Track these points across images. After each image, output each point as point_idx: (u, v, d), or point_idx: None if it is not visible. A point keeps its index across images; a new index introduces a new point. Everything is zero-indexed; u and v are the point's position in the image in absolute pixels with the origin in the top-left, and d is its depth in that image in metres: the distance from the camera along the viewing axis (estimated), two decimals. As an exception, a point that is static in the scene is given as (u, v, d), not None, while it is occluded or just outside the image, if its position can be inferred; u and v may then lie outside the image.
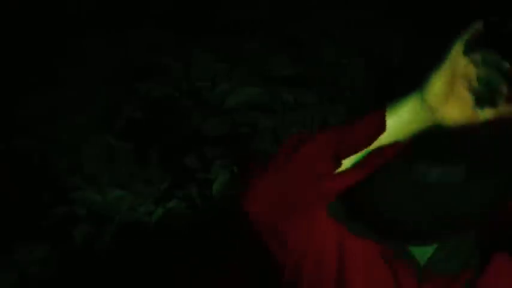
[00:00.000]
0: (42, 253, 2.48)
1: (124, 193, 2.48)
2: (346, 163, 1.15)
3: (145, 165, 2.71)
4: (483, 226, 1.30)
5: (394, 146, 1.14)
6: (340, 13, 3.56)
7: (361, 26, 3.50)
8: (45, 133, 2.84)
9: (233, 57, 3.16)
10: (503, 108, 1.00)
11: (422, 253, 1.33)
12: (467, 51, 1.00)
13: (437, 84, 1.04)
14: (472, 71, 1.00)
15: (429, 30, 3.18)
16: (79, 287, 2.49)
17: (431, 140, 1.18)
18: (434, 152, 1.22)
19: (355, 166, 1.16)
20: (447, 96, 1.03)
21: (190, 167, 2.54)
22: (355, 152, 1.15)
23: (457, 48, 1.01)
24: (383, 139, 1.13)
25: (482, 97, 1.00)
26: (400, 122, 1.12)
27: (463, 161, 1.22)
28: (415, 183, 1.22)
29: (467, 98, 1.00)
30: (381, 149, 1.14)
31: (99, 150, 2.73)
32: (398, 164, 1.21)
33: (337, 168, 1.16)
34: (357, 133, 1.14)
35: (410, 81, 1.28)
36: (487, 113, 1.01)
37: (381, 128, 1.13)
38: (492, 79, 1.00)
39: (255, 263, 2.01)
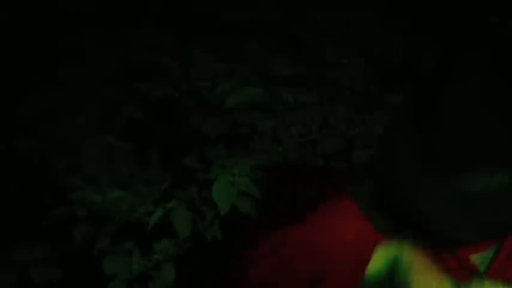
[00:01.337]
0: (42, 253, 2.48)
1: (124, 193, 2.47)
2: None
3: (146, 165, 2.71)
4: None
5: None
6: (340, 13, 3.56)
7: (361, 26, 3.49)
8: (45, 133, 2.83)
9: (233, 57, 3.16)
10: None
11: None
12: None
13: None
14: None
15: (429, 30, 3.18)
16: (79, 287, 2.49)
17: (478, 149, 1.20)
18: (482, 160, 1.21)
19: None
20: None
21: (190, 167, 2.53)
22: None
23: None
24: None
25: None
26: None
27: (508, 167, 1.21)
28: (462, 192, 1.22)
29: None
30: None
31: (99, 150, 2.73)
32: (446, 172, 1.21)
33: None
34: None
35: (410, 80, 1.28)
36: None
37: None
38: None
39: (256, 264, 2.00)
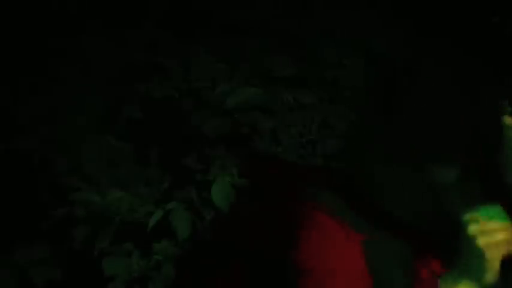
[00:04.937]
0: (42, 253, 2.48)
1: (124, 194, 2.47)
2: None
3: (146, 165, 2.71)
4: None
5: None
6: (340, 13, 3.56)
7: (362, 26, 3.49)
8: (45, 133, 2.83)
9: (233, 57, 3.16)
10: None
11: None
12: None
13: None
14: None
15: (429, 30, 3.18)
16: (79, 287, 2.49)
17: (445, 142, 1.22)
18: (446, 153, 1.24)
19: None
20: None
21: (190, 167, 2.53)
22: None
23: None
24: None
25: None
26: None
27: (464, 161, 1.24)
28: (426, 183, 1.24)
29: None
30: None
31: (99, 150, 2.73)
32: (411, 164, 1.23)
33: None
34: None
35: (412, 81, 1.29)
36: None
37: None
38: None
39: (256, 265, 2.01)
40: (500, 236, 1.26)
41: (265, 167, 2.57)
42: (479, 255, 1.26)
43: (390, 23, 3.51)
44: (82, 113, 2.91)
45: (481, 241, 1.26)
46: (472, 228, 1.27)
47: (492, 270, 1.27)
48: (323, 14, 3.58)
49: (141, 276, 2.37)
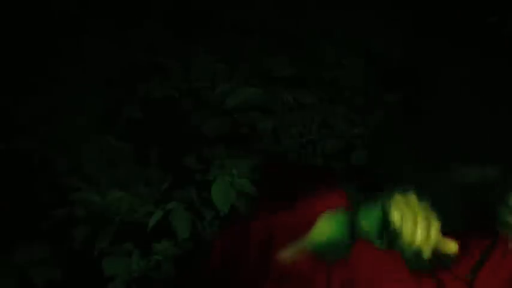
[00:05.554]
0: (42, 254, 2.48)
1: (124, 194, 2.48)
2: None
3: (146, 165, 2.71)
4: None
5: None
6: (339, 13, 3.56)
7: (361, 26, 3.50)
8: (45, 133, 2.83)
9: (233, 57, 3.16)
10: None
11: None
12: None
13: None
14: None
15: (429, 30, 3.18)
16: (79, 287, 2.49)
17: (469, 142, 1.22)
18: (473, 153, 1.25)
19: None
20: None
21: (190, 167, 2.54)
22: None
23: None
24: None
25: None
26: None
27: (500, 161, 1.24)
28: (452, 184, 1.25)
29: None
30: None
31: (99, 150, 2.73)
32: (437, 165, 1.24)
33: None
34: None
35: (411, 81, 1.29)
36: None
37: None
38: None
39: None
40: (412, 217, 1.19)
41: (265, 167, 2.57)
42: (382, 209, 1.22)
43: (388, 23, 3.51)
44: (82, 113, 2.92)
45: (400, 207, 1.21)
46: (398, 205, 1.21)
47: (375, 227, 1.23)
48: (322, 14, 3.58)
49: (141, 276, 2.38)
